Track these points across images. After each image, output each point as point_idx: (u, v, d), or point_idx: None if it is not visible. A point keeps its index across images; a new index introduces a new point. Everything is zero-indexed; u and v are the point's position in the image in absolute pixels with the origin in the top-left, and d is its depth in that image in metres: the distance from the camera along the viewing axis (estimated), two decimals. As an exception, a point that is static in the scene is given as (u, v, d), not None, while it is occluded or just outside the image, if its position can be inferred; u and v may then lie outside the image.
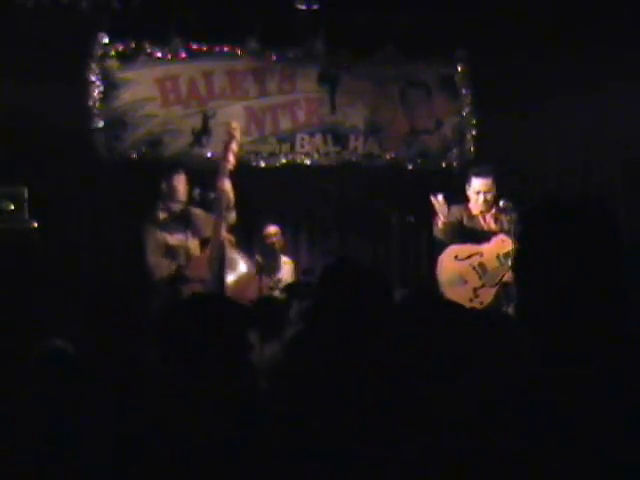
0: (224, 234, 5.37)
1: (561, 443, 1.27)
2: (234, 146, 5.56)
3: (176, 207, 5.58)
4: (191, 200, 5.60)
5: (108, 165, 6.53)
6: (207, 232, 5.48)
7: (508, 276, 5.05)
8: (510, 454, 1.31)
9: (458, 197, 6.82)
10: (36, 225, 5.86)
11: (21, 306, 5.52)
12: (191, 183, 5.66)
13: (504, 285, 5.12)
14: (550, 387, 1.33)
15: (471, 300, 5.16)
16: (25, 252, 5.79)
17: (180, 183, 5.61)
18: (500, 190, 5.48)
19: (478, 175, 5.29)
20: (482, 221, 5.32)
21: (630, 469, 1.24)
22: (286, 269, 6.24)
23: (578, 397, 1.29)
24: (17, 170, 6.16)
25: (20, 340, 4.00)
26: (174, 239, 5.53)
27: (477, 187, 5.27)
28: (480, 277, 5.21)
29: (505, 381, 1.48)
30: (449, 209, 5.33)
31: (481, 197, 5.26)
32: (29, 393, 2.59)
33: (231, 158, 5.50)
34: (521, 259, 1.45)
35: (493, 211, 5.33)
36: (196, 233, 5.59)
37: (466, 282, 5.26)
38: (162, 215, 5.56)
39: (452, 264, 5.32)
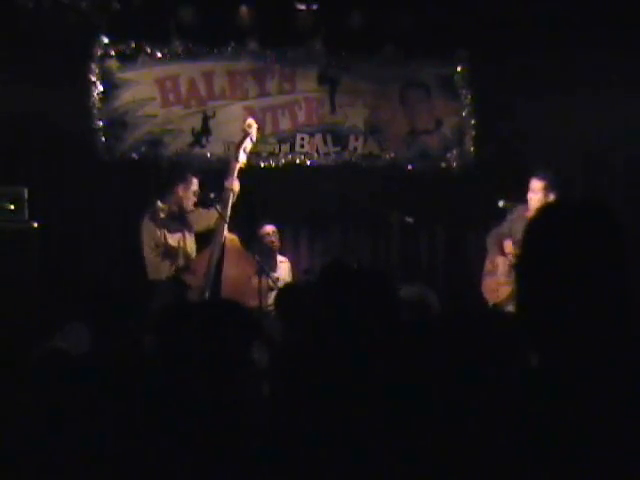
0: (226, 234, 5.36)
1: (561, 445, 1.27)
2: (247, 144, 5.51)
3: (175, 206, 5.53)
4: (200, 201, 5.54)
5: (108, 165, 6.53)
6: (199, 226, 5.46)
7: None
8: (510, 456, 1.31)
9: (457, 197, 6.87)
10: (36, 225, 5.87)
11: (21, 306, 5.52)
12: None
13: None
14: (550, 388, 1.33)
15: (493, 292, 5.49)
16: (25, 252, 5.79)
17: (193, 185, 5.54)
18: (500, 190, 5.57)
19: (535, 176, 5.44)
20: None
21: (631, 472, 1.24)
22: (282, 268, 6.26)
23: (578, 398, 1.29)
24: (17, 170, 6.17)
25: (20, 340, 4.01)
26: (173, 238, 5.50)
27: (532, 187, 5.43)
28: (506, 274, 5.44)
29: (504, 382, 1.48)
30: (516, 208, 5.56)
31: (536, 196, 5.37)
32: (29, 394, 2.59)
33: (242, 157, 5.46)
34: (523, 260, 1.45)
35: None
36: (191, 228, 5.57)
37: (495, 275, 5.53)
38: (162, 213, 5.50)
39: (498, 255, 5.62)
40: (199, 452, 2.09)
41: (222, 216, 5.37)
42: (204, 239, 5.63)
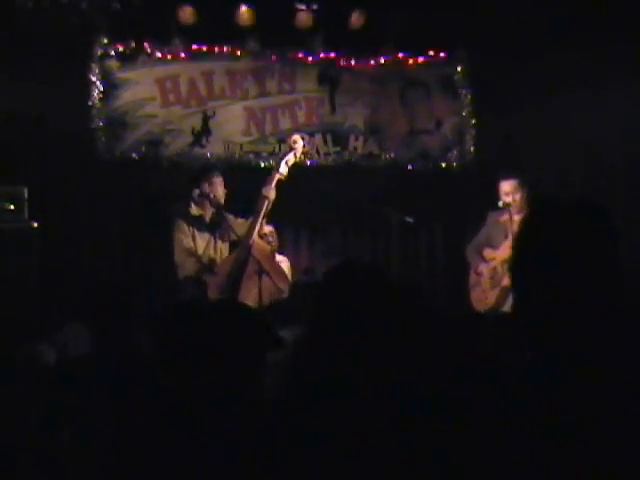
0: (255, 239, 5.36)
1: (559, 443, 1.27)
2: (290, 159, 5.55)
3: (210, 209, 5.50)
4: (226, 203, 5.53)
5: (108, 165, 6.53)
6: (235, 236, 5.39)
7: (507, 280, 5.23)
8: (510, 454, 1.31)
9: (458, 197, 6.86)
10: (36, 225, 5.87)
11: (21, 306, 5.53)
12: (191, 183, 5.62)
13: (504, 288, 5.37)
14: (547, 387, 1.33)
15: (481, 301, 5.51)
16: (25, 252, 5.79)
17: (219, 185, 5.51)
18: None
19: (504, 177, 5.52)
20: (508, 226, 5.44)
21: (630, 469, 1.25)
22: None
23: (575, 397, 1.29)
24: (17, 170, 6.16)
25: (20, 340, 4.00)
26: (202, 238, 5.49)
27: (502, 189, 5.51)
28: (490, 280, 5.50)
29: (502, 381, 1.48)
30: (488, 216, 5.69)
31: (507, 198, 5.46)
32: (29, 394, 2.59)
33: (283, 169, 5.49)
34: (519, 259, 1.45)
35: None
36: (225, 236, 5.53)
37: (480, 285, 5.59)
38: (195, 212, 5.50)
39: (480, 264, 5.68)
40: (199, 452, 2.09)
41: (222, 215, 5.39)
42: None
